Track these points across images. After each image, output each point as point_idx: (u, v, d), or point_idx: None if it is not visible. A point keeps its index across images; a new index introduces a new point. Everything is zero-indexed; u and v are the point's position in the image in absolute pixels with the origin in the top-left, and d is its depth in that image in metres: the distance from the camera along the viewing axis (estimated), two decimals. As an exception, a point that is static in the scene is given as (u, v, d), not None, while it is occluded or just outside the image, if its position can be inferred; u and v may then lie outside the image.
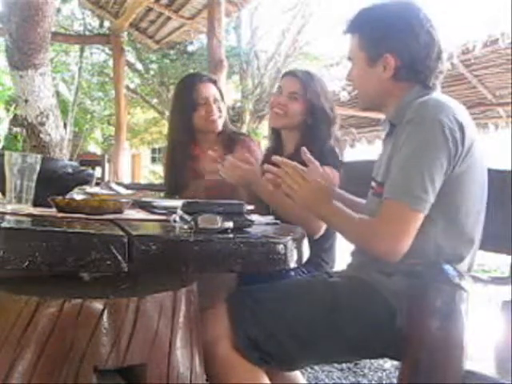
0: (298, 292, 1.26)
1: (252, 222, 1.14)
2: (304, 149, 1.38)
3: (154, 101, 12.01)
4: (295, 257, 1.06)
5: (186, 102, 2.10)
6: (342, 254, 1.82)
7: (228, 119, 2.22)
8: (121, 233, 0.90)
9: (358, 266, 1.36)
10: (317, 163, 1.38)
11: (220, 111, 2.11)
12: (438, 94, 1.28)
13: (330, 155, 1.75)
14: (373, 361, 2.62)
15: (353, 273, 1.35)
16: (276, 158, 1.32)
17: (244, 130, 9.26)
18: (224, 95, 2.21)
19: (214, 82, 2.17)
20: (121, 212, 1.25)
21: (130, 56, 10.70)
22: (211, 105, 2.08)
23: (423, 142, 1.16)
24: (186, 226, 1.03)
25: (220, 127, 2.12)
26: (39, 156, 1.35)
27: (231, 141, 2.17)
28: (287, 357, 1.20)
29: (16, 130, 9.62)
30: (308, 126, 1.82)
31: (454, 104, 1.23)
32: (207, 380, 1.17)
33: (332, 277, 1.41)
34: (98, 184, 1.79)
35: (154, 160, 18.13)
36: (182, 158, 2.15)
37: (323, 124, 1.82)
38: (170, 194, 2.16)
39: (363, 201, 1.50)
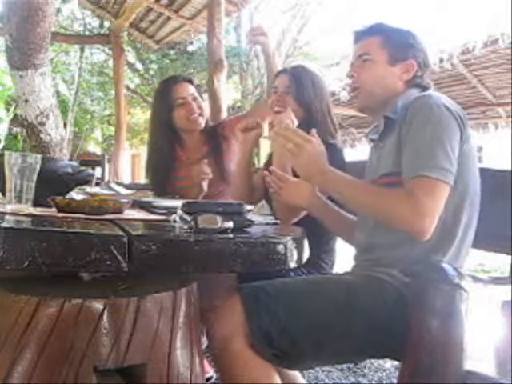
0: (312, 288, 1.27)
1: (252, 221, 1.14)
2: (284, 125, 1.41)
3: (154, 101, 11.99)
4: (295, 257, 1.05)
5: (163, 104, 2.10)
6: (342, 256, 1.82)
7: (209, 117, 2.21)
8: (121, 233, 0.90)
9: (366, 266, 1.37)
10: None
11: (200, 109, 2.10)
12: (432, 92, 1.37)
13: (335, 154, 1.74)
14: (373, 361, 2.62)
15: (363, 272, 1.36)
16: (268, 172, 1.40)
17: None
18: (202, 94, 2.20)
19: (190, 82, 2.16)
20: (121, 212, 1.25)
21: (130, 56, 10.70)
22: (190, 103, 2.08)
23: (437, 121, 1.22)
24: (185, 226, 1.03)
25: (202, 125, 2.12)
26: (39, 156, 1.35)
27: (214, 134, 2.17)
28: (299, 354, 1.20)
29: (16, 129, 9.62)
30: (307, 122, 1.81)
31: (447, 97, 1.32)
32: (209, 379, 1.17)
33: (343, 275, 1.42)
34: (97, 184, 1.79)
35: (153, 160, 18.07)
36: (165, 160, 2.15)
37: (319, 118, 1.81)
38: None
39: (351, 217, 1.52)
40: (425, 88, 1.41)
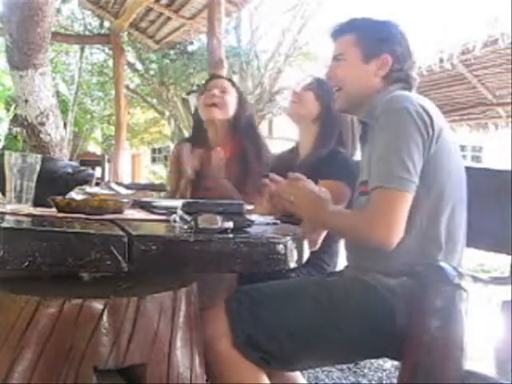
0: (296, 291, 1.26)
1: (252, 221, 1.14)
2: (291, 174, 1.37)
3: (154, 101, 12.03)
4: (295, 257, 1.06)
5: (201, 92, 2.23)
6: (344, 258, 1.82)
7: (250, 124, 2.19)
8: (121, 233, 0.90)
9: (354, 266, 1.37)
10: (303, 178, 1.35)
11: (220, 99, 2.10)
12: (403, 91, 1.33)
13: (342, 168, 1.73)
14: (373, 361, 2.62)
15: (350, 273, 1.36)
16: (272, 176, 1.36)
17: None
18: (242, 96, 2.23)
19: (229, 80, 2.25)
20: (121, 212, 1.25)
21: (130, 56, 10.70)
22: (212, 91, 2.12)
23: (395, 128, 1.21)
24: (185, 226, 1.03)
25: (215, 115, 2.11)
26: (39, 156, 1.35)
27: (247, 137, 2.15)
28: (287, 357, 1.20)
29: (16, 129, 9.62)
30: (321, 126, 1.83)
31: (418, 96, 1.28)
32: (207, 379, 1.17)
33: (329, 277, 1.42)
34: (97, 184, 1.79)
35: (154, 160, 18.14)
36: (188, 151, 2.17)
37: (335, 128, 1.82)
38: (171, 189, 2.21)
39: None
40: (406, 82, 1.38)
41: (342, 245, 1.81)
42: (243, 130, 2.15)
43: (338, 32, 1.43)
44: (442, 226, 1.25)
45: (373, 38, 1.37)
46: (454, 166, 1.28)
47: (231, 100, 2.13)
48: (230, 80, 2.24)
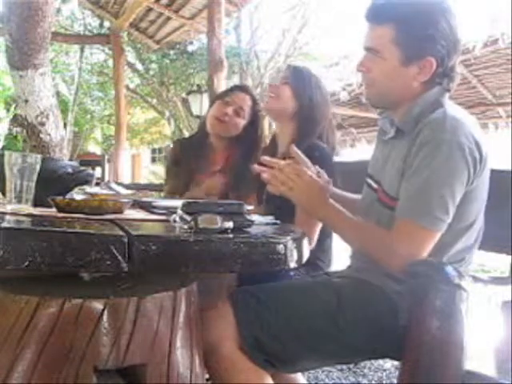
0: (301, 293, 1.26)
1: (252, 221, 1.13)
2: (293, 146, 1.35)
3: (154, 101, 12.03)
4: (295, 257, 1.05)
5: (218, 95, 2.28)
6: (338, 254, 1.82)
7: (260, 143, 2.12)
8: (121, 233, 0.90)
9: (359, 268, 1.36)
10: (307, 160, 1.36)
11: (232, 121, 2.04)
12: (452, 108, 1.21)
13: (322, 159, 1.68)
14: (373, 361, 2.62)
15: (355, 274, 1.35)
16: (264, 159, 1.30)
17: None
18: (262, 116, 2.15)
19: (254, 99, 2.12)
20: (121, 212, 1.25)
21: (130, 56, 10.71)
22: (228, 106, 2.04)
23: (443, 164, 1.13)
24: (186, 226, 1.03)
25: (226, 132, 2.07)
26: (39, 156, 1.35)
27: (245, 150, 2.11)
28: (292, 358, 1.19)
29: (16, 129, 9.63)
30: (299, 122, 1.75)
31: (467, 119, 1.19)
32: (208, 380, 1.17)
33: (334, 278, 1.41)
34: (97, 184, 1.79)
35: (154, 160, 18.15)
36: (188, 159, 2.14)
37: (314, 125, 1.74)
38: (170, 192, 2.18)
39: (358, 196, 1.48)
40: (447, 83, 1.24)
41: (333, 241, 1.80)
42: (244, 148, 2.08)
43: (376, 18, 1.23)
44: (462, 250, 1.24)
45: (416, 35, 1.18)
46: (483, 201, 1.26)
47: (240, 122, 2.06)
48: (251, 97, 2.11)
